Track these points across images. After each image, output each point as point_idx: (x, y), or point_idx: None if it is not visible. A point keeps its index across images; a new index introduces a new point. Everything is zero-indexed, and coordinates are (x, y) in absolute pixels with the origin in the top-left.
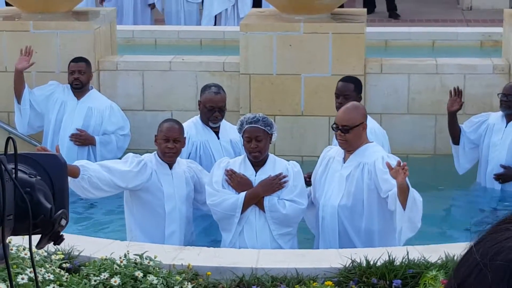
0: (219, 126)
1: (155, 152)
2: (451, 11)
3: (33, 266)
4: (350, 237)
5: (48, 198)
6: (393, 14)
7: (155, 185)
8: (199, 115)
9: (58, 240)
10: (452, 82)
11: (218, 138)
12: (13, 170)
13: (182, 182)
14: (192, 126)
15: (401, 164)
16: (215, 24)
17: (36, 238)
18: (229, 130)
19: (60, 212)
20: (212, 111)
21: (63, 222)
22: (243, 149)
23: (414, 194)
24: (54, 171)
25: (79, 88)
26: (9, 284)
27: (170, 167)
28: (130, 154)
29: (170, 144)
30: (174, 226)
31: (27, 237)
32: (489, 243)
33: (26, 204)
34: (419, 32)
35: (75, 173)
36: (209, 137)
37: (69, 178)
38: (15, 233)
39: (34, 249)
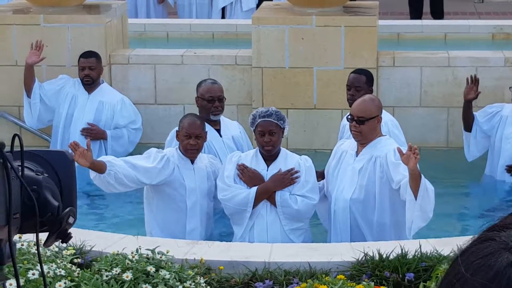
0: (219, 124)
1: (177, 147)
2: (463, 4)
3: (41, 265)
4: (362, 230)
5: (56, 196)
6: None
7: (178, 180)
8: (198, 114)
9: (65, 238)
10: (464, 75)
11: (220, 136)
12: (20, 168)
13: (204, 177)
14: None
15: (412, 148)
16: (223, 17)
17: (44, 236)
18: (230, 126)
19: (67, 210)
20: (212, 101)
21: (70, 220)
22: (245, 145)
23: (426, 183)
24: (62, 168)
25: (90, 84)
26: (18, 281)
27: (192, 162)
28: (153, 150)
29: (192, 140)
30: (195, 221)
31: (41, 234)
32: (472, 257)
33: (33, 202)
34: (431, 25)
35: (102, 168)
36: (212, 136)
37: (96, 174)
38: (22, 231)
39: (45, 245)
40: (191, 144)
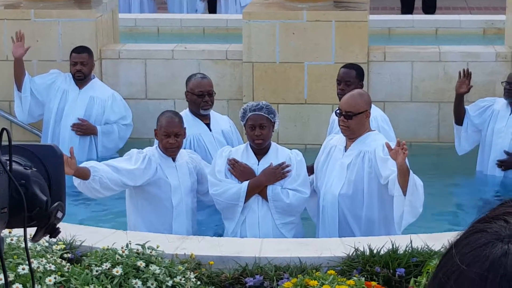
0: (209, 118)
1: (156, 145)
2: None
3: (29, 260)
4: (350, 225)
5: (44, 190)
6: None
7: (162, 179)
8: (187, 109)
9: (54, 233)
10: (455, 70)
11: (210, 130)
12: (8, 162)
13: (186, 174)
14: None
15: (401, 143)
16: (215, 12)
17: (32, 230)
18: (220, 121)
19: (56, 204)
20: (202, 96)
21: (59, 214)
22: (235, 139)
23: (414, 179)
24: (51, 162)
25: (81, 79)
26: (6, 277)
27: (173, 160)
28: (134, 151)
29: (171, 139)
30: (181, 218)
31: (29, 228)
32: (466, 249)
33: (21, 196)
34: (422, 20)
35: (86, 175)
36: (202, 130)
37: (80, 180)
38: (10, 226)
39: (33, 240)
40: (171, 143)
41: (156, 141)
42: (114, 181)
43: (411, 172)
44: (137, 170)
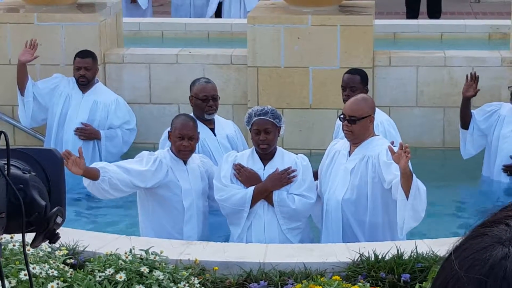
0: (214, 123)
1: (168, 148)
2: (459, 4)
3: (27, 265)
4: (354, 231)
5: (43, 195)
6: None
7: (173, 182)
8: (192, 113)
9: (53, 238)
10: (461, 75)
11: (215, 135)
12: (6, 166)
13: (198, 177)
14: None
15: (403, 147)
16: (220, 16)
17: (31, 236)
18: (224, 125)
19: (55, 209)
20: (206, 100)
21: (58, 219)
22: (240, 144)
23: (417, 183)
24: (50, 166)
25: (85, 84)
26: (6, 282)
27: (185, 163)
28: (145, 153)
29: (185, 142)
30: (192, 222)
31: (28, 234)
32: (466, 253)
33: (19, 201)
34: (427, 25)
35: (95, 175)
36: (206, 135)
37: (89, 181)
38: (8, 231)
39: (32, 246)
40: (184, 145)
41: (161, 144)
42: (124, 182)
43: (414, 176)
44: (147, 171)
